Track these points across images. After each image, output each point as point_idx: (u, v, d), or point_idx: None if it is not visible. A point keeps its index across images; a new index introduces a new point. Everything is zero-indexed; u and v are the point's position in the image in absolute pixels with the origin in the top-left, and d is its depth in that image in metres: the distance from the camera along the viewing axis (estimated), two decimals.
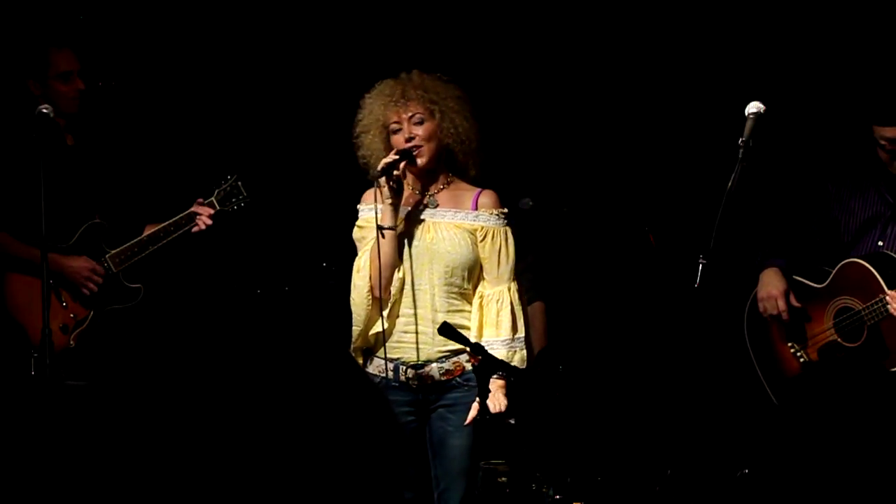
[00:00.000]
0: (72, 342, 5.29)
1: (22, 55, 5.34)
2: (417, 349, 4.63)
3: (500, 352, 4.54)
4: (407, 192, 4.72)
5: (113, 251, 5.39)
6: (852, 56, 5.95)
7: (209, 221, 5.40)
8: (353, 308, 4.67)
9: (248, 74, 6.35)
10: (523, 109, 6.37)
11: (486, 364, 4.42)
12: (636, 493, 5.37)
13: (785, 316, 5.27)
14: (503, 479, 4.58)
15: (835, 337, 5.22)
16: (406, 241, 4.67)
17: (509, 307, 4.62)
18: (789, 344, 5.34)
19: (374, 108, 4.69)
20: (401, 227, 4.68)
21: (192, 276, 6.28)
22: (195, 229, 5.41)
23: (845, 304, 5.17)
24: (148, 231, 5.44)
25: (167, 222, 5.42)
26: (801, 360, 5.31)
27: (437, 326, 4.44)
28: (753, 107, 4.39)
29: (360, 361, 4.65)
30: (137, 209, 5.56)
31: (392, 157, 4.58)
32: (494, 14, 6.35)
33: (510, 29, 6.36)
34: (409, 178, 4.71)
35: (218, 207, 5.45)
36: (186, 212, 5.43)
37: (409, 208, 4.73)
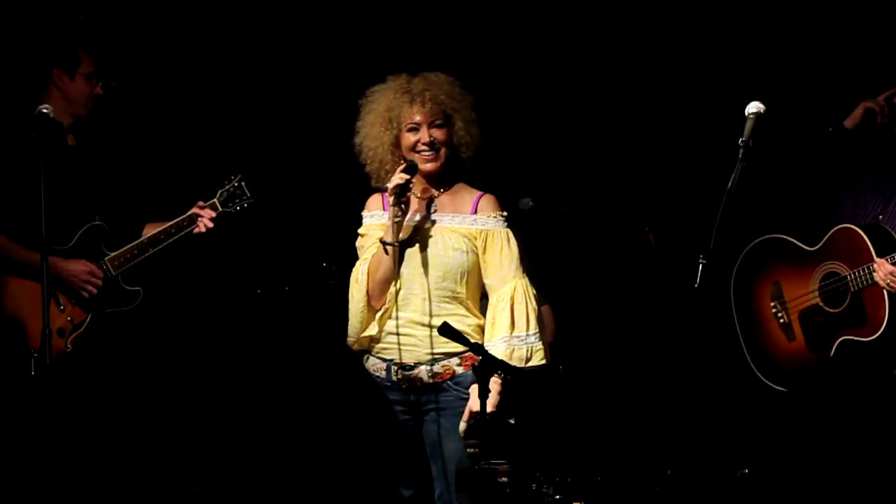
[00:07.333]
0: (68, 346, 5.27)
1: (51, 44, 5.35)
2: (408, 352, 4.64)
3: (498, 349, 4.55)
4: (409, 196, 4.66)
5: (112, 254, 5.38)
6: (850, 58, 5.96)
7: (210, 224, 5.39)
8: (349, 315, 4.69)
9: (248, 76, 6.36)
10: (523, 110, 6.38)
11: (486, 364, 4.42)
12: (636, 493, 5.38)
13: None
14: (503, 479, 4.57)
15: (817, 301, 5.20)
16: (403, 245, 4.64)
17: (509, 305, 4.61)
18: (772, 303, 5.32)
19: (388, 99, 4.65)
20: (402, 233, 4.64)
21: (192, 276, 6.28)
22: (197, 231, 5.40)
23: (833, 269, 5.16)
24: (148, 232, 5.43)
25: (168, 224, 5.41)
26: (781, 320, 5.29)
27: (437, 328, 4.43)
28: (753, 107, 4.40)
29: (361, 358, 4.71)
30: (138, 211, 5.55)
31: (401, 177, 4.55)
32: (495, 14, 6.36)
33: (511, 29, 6.37)
34: (414, 180, 4.66)
35: (220, 209, 5.44)
36: (187, 213, 5.42)
37: (410, 212, 4.69)
